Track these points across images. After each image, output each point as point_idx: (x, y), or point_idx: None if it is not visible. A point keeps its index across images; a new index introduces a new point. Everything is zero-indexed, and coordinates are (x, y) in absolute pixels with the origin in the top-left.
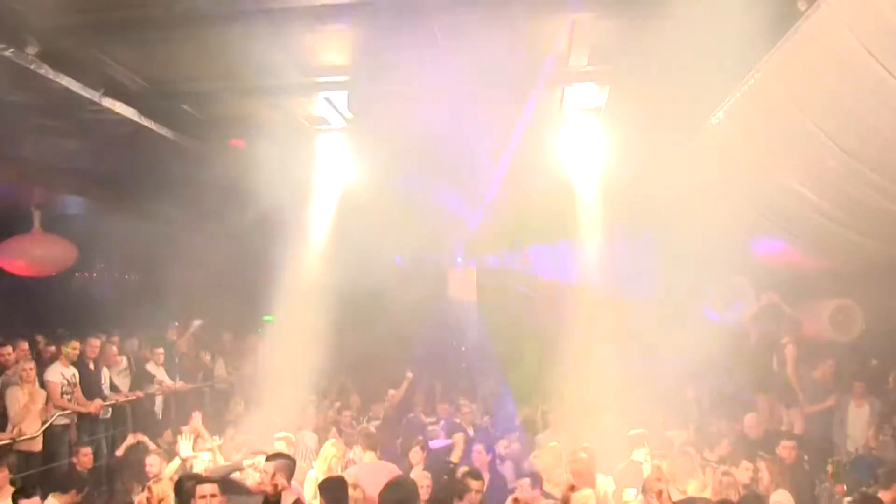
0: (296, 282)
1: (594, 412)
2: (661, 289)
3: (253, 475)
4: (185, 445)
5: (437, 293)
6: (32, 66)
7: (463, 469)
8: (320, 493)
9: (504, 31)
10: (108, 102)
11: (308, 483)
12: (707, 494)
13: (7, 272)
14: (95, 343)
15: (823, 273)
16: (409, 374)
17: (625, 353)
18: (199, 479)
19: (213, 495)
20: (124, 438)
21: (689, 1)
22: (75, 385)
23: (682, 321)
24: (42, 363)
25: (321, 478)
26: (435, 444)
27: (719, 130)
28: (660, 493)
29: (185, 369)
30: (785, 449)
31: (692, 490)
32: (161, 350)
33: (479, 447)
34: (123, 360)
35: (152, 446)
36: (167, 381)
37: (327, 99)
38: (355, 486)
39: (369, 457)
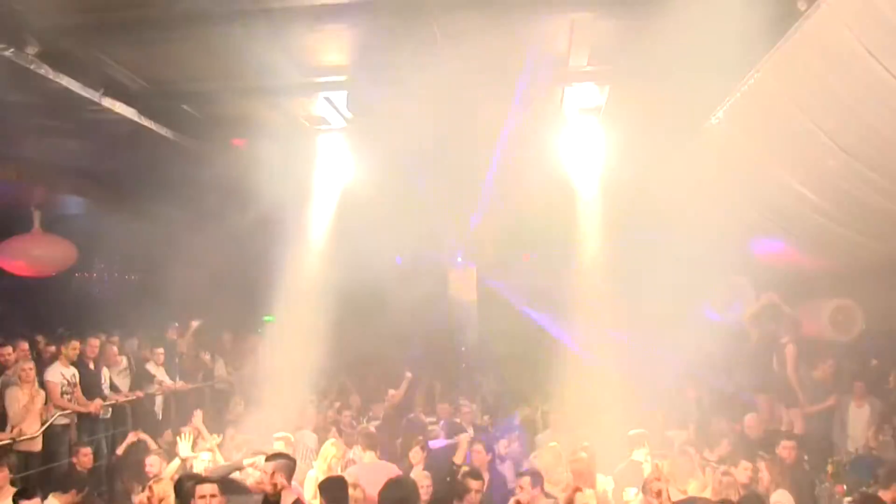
0: (296, 282)
1: (594, 412)
2: (661, 289)
3: (253, 475)
4: (184, 445)
5: (437, 293)
6: (32, 66)
7: (463, 469)
8: (320, 493)
9: (504, 32)
10: (108, 102)
11: (308, 483)
12: (707, 494)
13: (7, 272)
14: (95, 343)
15: (823, 273)
16: (409, 374)
17: (625, 353)
18: (199, 479)
19: (212, 495)
20: (124, 438)
21: (688, 1)
22: (75, 385)
23: (682, 321)
24: (42, 363)
25: (321, 478)
26: (435, 444)
27: (719, 130)
28: (660, 493)
29: (185, 369)
30: (785, 449)
31: (692, 490)
32: (161, 350)
33: (478, 447)
34: (123, 360)
35: (153, 445)
36: (167, 381)
37: (327, 99)
38: (355, 486)
39: (369, 457)
